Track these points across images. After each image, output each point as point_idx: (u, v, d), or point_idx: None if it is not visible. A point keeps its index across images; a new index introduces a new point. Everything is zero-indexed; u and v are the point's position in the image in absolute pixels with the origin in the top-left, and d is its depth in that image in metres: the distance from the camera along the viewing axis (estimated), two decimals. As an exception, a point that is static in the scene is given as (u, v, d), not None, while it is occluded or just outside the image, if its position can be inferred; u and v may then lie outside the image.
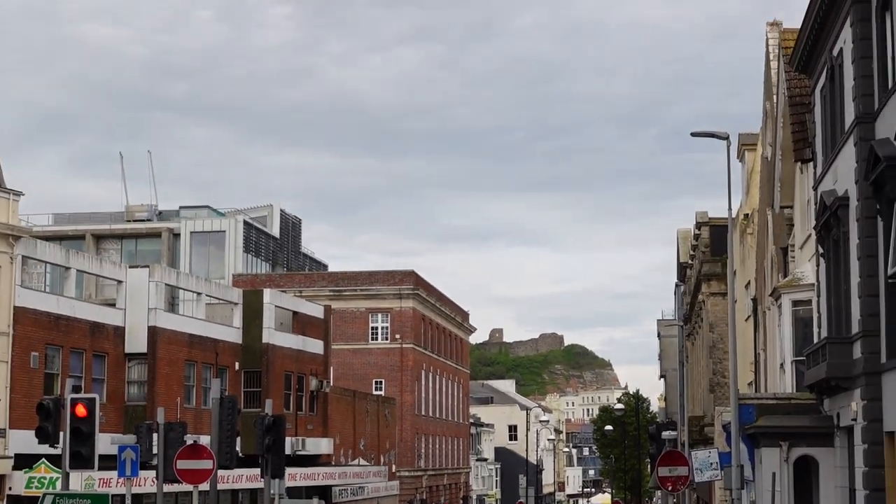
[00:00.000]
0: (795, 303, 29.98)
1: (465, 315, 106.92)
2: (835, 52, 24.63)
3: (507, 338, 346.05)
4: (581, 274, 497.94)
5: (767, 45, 34.73)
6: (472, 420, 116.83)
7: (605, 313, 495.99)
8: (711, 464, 32.80)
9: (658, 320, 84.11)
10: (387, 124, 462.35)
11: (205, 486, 29.96)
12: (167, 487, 31.16)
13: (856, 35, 22.29)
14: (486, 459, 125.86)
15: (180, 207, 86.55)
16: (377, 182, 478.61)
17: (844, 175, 23.59)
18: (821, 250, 26.30)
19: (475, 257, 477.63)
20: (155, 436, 30.15)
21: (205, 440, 32.08)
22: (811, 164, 28.49)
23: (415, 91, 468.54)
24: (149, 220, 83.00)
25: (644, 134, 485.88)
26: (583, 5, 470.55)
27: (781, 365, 31.33)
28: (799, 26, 27.09)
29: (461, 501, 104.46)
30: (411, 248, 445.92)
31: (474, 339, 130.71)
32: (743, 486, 30.18)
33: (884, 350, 21.19)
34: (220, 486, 36.77)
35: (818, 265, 26.98)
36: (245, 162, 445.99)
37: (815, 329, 27.86)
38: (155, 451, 29.97)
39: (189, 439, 29.87)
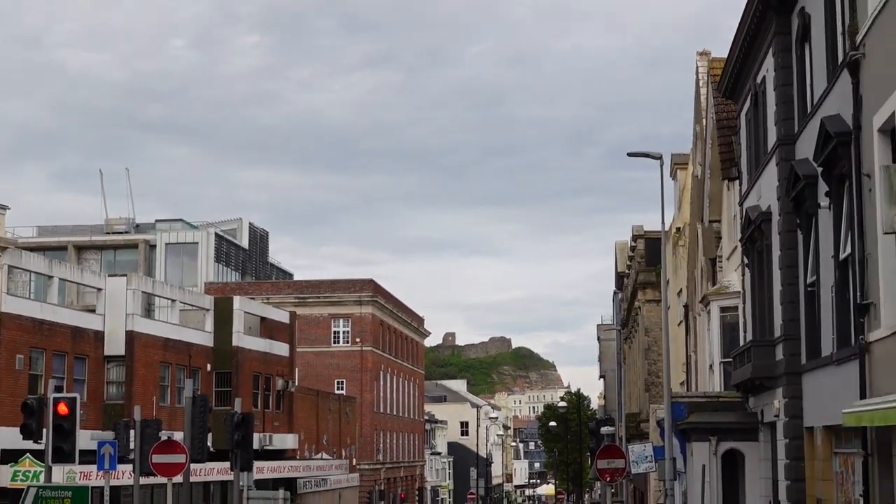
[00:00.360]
0: (723, 309, 30.17)
1: (421, 320, 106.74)
2: (759, 80, 24.80)
3: (460, 341, 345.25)
4: (528, 282, 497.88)
5: (697, 73, 34.94)
6: (426, 417, 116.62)
7: (550, 318, 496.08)
8: (647, 457, 32.98)
9: (598, 325, 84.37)
10: (348, 144, 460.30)
11: (178, 479, 29.77)
12: (143, 480, 30.94)
13: (777, 64, 22.44)
14: (439, 453, 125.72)
15: (156, 221, 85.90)
16: (339, 197, 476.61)
17: (767, 192, 23.74)
18: (746, 261, 26.45)
19: (430, 267, 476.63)
20: (132, 432, 29.95)
21: (178, 436, 31.85)
22: (737, 181, 28.65)
23: (373, 113, 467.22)
24: (127, 232, 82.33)
25: (585, 154, 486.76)
26: (528, 34, 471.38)
27: (710, 366, 31.50)
28: (726, 56, 27.27)
29: (417, 492, 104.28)
30: (371, 259, 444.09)
31: (429, 342, 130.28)
32: (675, 477, 30.34)
33: (804, 352, 21.33)
34: (192, 479, 36.64)
35: (744, 275, 27.14)
36: (216, 179, 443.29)
37: (741, 333, 28.03)
38: (132, 446, 29.77)
39: (164, 435, 29.66)
